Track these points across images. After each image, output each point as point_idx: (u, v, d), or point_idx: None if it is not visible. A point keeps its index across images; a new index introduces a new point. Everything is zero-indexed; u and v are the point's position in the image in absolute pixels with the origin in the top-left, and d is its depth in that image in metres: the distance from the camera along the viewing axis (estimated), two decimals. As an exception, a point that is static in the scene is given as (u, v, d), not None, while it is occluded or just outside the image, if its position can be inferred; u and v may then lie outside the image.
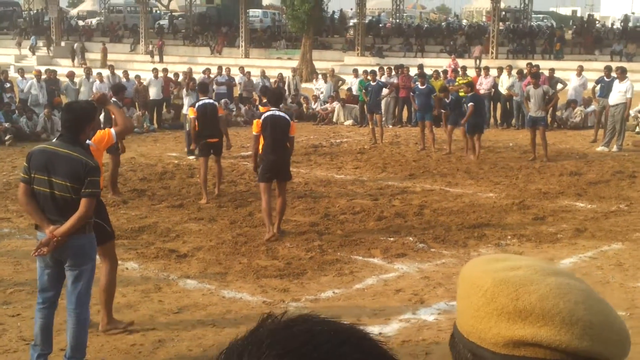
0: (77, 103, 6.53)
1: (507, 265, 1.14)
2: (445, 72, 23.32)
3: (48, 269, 5.49)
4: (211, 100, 12.86)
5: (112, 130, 6.31)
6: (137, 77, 22.92)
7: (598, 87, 18.79)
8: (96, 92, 9.43)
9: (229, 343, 0.94)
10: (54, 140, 5.61)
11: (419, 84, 18.08)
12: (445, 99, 16.83)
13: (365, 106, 19.53)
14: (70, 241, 5.33)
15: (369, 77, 22.11)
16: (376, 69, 22.45)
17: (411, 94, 18.79)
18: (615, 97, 17.23)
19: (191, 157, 15.59)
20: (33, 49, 43.26)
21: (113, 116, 6.73)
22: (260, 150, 9.56)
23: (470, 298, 1.13)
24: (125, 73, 23.40)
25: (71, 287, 5.47)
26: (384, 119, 22.19)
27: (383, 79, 22.70)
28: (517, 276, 1.11)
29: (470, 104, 15.47)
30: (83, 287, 5.48)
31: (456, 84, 21.65)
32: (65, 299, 5.57)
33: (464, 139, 16.05)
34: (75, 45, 43.39)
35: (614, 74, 17.88)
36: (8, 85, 21.46)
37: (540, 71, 21.16)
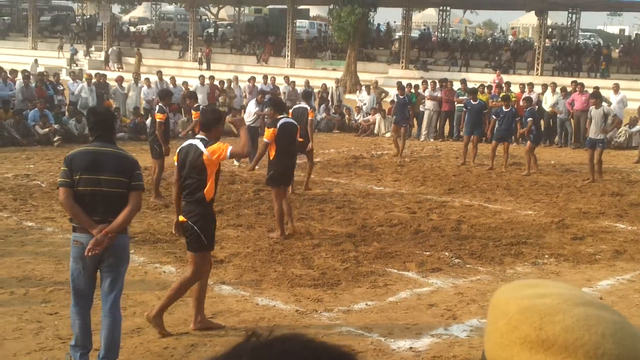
0: (99, 107, 6.90)
1: (536, 292, 1.11)
2: (490, 87, 23.21)
3: (86, 271, 5.54)
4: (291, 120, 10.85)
5: (230, 148, 6.53)
6: (185, 83, 23.27)
7: None
8: (234, 118, 10.09)
9: (210, 358, 0.96)
10: (91, 143, 5.75)
11: (471, 99, 17.99)
12: (504, 108, 16.76)
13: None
14: (115, 242, 5.46)
15: (412, 90, 22.20)
16: (405, 82, 22.39)
17: (464, 109, 18.76)
18: None
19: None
20: (72, 57, 44.12)
21: (238, 136, 7.42)
22: (273, 157, 10.01)
23: (496, 324, 1.10)
24: (173, 79, 23.76)
25: (108, 288, 5.58)
26: (425, 132, 22.24)
27: (427, 93, 22.72)
28: (543, 304, 1.08)
29: (530, 118, 15.64)
30: (119, 288, 5.64)
31: (499, 99, 21.51)
32: (101, 299, 5.71)
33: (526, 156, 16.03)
34: (110, 50, 44.11)
35: None
36: (61, 88, 21.98)
37: (585, 89, 20.97)
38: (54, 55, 46.58)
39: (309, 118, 13.30)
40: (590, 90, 20.78)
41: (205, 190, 6.40)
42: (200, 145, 6.42)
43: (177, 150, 6.71)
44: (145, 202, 11.86)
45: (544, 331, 1.04)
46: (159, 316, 6.45)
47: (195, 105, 14.72)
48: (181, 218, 6.53)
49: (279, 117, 10.22)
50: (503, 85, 23.22)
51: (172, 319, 6.87)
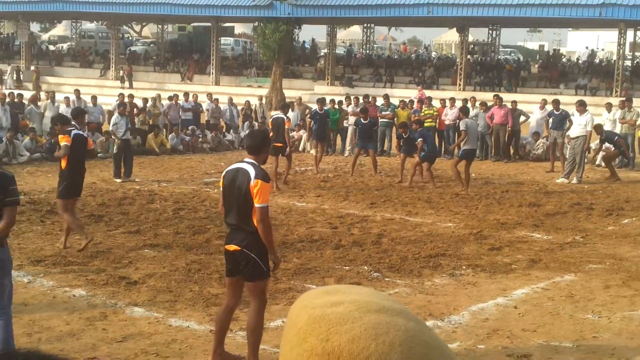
0: None
1: (330, 300, 1.03)
2: (412, 102, 23.52)
3: None
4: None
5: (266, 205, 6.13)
6: (122, 103, 22.75)
7: (550, 119, 19.31)
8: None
9: None
10: None
11: (361, 118, 18.41)
12: (403, 134, 17.09)
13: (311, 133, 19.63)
14: None
15: (336, 106, 22.30)
16: (329, 98, 22.68)
17: (353, 125, 19.42)
18: (576, 130, 17.50)
19: (118, 180, 16.19)
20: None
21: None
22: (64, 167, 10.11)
23: (287, 335, 1.03)
24: (94, 98, 23.22)
25: None
26: (349, 147, 22.35)
27: (350, 108, 22.86)
28: (334, 313, 1.00)
29: (420, 139, 15.92)
30: (6, 297, 5.86)
31: (422, 114, 21.84)
32: None
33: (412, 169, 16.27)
34: (10, 67, 42.93)
35: (565, 108, 18.56)
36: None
37: (504, 103, 21.45)
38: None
39: (285, 127, 15.90)
40: (509, 105, 21.36)
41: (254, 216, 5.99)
42: (251, 170, 6.02)
43: (223, 174, 6.31)
44: (58, 224, 11.50)
45: (329, 342, 0.97)
46: None
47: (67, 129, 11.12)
48: (232, 247, 6.08)
49: (69, 128, 10.39)
50: (425, 100, 23.50)
51: (80, 344, 6.60)
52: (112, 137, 17.34)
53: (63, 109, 21.69)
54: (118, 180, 16.19)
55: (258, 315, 6.11)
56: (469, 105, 22.06)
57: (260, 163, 6.20)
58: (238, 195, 6.01)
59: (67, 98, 22.46)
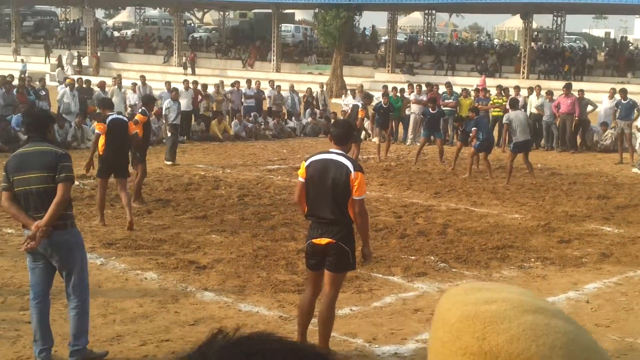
0: (33, 109, 6.86)
1: (482, 297, 1.01)
2: (476, 90, 23.19)
3: (37, 265, 5.81)
4: None
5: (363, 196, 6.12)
6: (175, 89, 22.91)
7: (618, 109, 18.85)
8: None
9: (174, 358, 0.89)
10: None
11: (430, 108, 18.36)
12: (459, 127, 17.07)
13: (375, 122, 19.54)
14: (53, 237, 5.64)
15: (398, 94, 22.16)
16: (391, 86, 22.70)
17: (420, 116, 19.18)
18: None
19: (169, 163, 16.60)
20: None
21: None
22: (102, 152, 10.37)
23: (437, 332, 1.01)
24: (167, 84, 23.40)
25: (65, 280, 5.83)
26: (411, 136, 22.20)
27: (412, 96, 22.70)
28: (488, 311, 0.98)
29: (473, 128, 15.67)
30: (75, 279, 5.78)
31: (491, 102, 21.58)
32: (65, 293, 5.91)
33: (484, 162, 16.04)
34: (67, 54, 43.65)
35: (632, 97, 18.01)
36: (43, 93, 21.75)
37: (571, 92, 20.99)
38: (38, 61, 46.27)
39: (359, 115, 17.22)
40: (577, 94, 20.89)
41: (349, 211, 5.94)
42: (347, 162, 5.90)
43: (306, 164, 6.06)
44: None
45: (486, 341, 0.95)
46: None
47: (106, 114, 11.07)
48: (324, 240, 5.95)
49: (109, 113, 10.88)
50: (487, 88, 23.18)
51: (153, 326, 6.73)
52: (164, 121, 17.65)
53: (130, 95, 22.13)
54: (168, 163, 16.58)
55: (332, 305, 6.10)
56: (535, 94, 21.70)
57: (346, 152, 6.08)
58: (334, 188, 5.86)
59: (133, 84, 22.82)
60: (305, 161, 6.14)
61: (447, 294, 1.07)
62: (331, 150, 6.09)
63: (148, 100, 13.32)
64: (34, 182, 5.65)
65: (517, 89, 22.46)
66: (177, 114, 17.13)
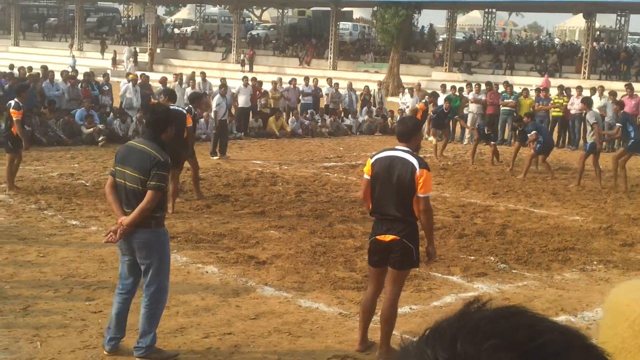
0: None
1: None
2: (538, 90, 22.82)
3: (124, 260, 5.93)
4: None
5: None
6: (223, 85, 23.24)
7: None
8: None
9: (435, 323, 0.87)
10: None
11: (444, 107, 18.72)
12: (518, 127, 16.89)
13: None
14: (136, 234, 5.70)
15: (456, 93, 21.99)
16: (449, 85, 22.58)
17: (430, 113, 19.05)
18: None
19: (215, 158, 16.83)
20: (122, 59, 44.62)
21: None
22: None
23: (615, 328, 1.01)
24: (223, 80, 23.73)
25: (143, 277, 5.89)
26: (468, 135, 21.99)
27: (470, 95, 22.51)
28: None
29: (533, 132, 15.44)
30: (151, 277, 5.80)
31: (552, 102, 21.27)
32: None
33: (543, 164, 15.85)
34: (127, 50, 44.24)
35: None
36: (107, 88, 22.22)
37: (635, 93, 20.54)
38: (98, 57, 47.24)
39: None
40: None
41: (414, 208, 5.93)
42: (413, 160, 5.87)
43: (372, 161, 6.07)
44: (188, 203, 11.93)
45: None
46: (388, 349, 6.05)
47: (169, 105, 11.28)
48: (389, 237, 5.95)
49: (170, 105, 11.02)
50: (549, 88, 22.82)
51: (215, 319, 6.83)
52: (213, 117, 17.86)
53: (189, 91, 22.42)
54: (215, 158, 16.85)
55: (395, 303, 6.10)
56: (597, 94, 21.28)
57: (413, 150, 6.05)
58: (399, 185, 5.86)
59: (193, 80, 23.13)
60: (371, 158, 6.14)
61: (619, 288, 1.07)
62: (397, 147, 6.08)
63: (195, 97, 13.34)
64: (128, 179, 5.72)
65: (579, 89, 22.03)
66: (226, 110, 17.32)
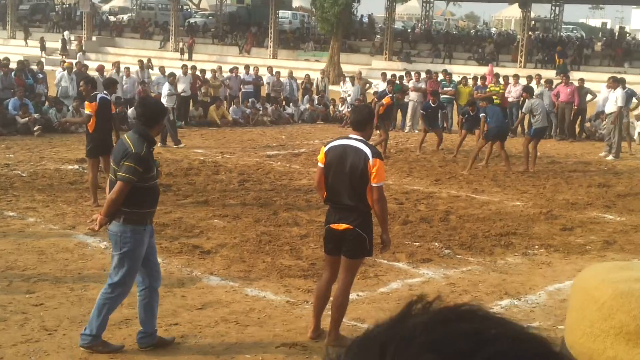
0: (150, 99, 6.67)
1: (631, 275, 0.97)
2: (483, 78, 23.05)
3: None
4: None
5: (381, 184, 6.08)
6: (172, 74, 22.81)
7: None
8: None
9: (366, 331, 0.76)
10: None
11: (431, 101, 18.13)
12: (470, 112, 16.79)
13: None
14: (109, 227, 5.70)
15: (397, 82, 22.11)
16: (389, 73, 22.61)
17: (421, 111, 18.83)
18: (610, 106, 17.69)
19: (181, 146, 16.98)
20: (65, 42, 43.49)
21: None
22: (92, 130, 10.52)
23: (583, 311, 0.96)
24: (162, 69, 23.36)
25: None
26: (409, 123, 22.15)
27: (411, 84, 22.66)
28: None
29: (482, 114, 15.48)
30: (112, 269, 5.77)
31: (487, 90, 21.55)
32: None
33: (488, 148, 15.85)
34: (66, 33, 43.51)
35: (630, 87, 18.61)
36: (41, 76, 21.63)
37: (570, 81, 21.00)
38: (34, 45, 46.00)
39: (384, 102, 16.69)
40: (576, 83, 20.90)
41: (367, 197, 5.87)
42: (366, 149, 5.84)
43: (325, 150, 6.04)
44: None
45: None
46: (337, 336, 6.03)
47: (93, 94, 11.14)
48: (342, 226, 5.92)
49: (95, 92, 11.02)
50: (492, 77, 23.14)
51: (161, 310, 6.68)
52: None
53: (124, 80, 21.99)
54: (181, 146, 16.96)
55: (347, 291, 6.09)
56: (534, 82, 21.68)
57: (366, 139, 6.03)
58: (352, 174, 5.83)
59: (127, 68, 22.66)
60: (325, 146, 6.11)
61: (588, 272, 1.03)
62: (350, 135, 6.05)
63: (109, 82, 12.92)
64: (111, 171, 5.82)
65: (517, 77, 22.43)
66: (175, 99, 17.14)
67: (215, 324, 6.43)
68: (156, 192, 5.89)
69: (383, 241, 6.14)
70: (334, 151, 5.98)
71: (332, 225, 6.00)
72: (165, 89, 17.42)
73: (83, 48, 42.14)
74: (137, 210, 5.64)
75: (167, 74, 21.91)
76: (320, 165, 6.07)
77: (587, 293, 0.98)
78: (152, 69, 23.81)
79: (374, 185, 5.82)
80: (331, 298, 6.19)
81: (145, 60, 24.79)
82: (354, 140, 5.95)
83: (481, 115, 15.60)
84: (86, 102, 11.28)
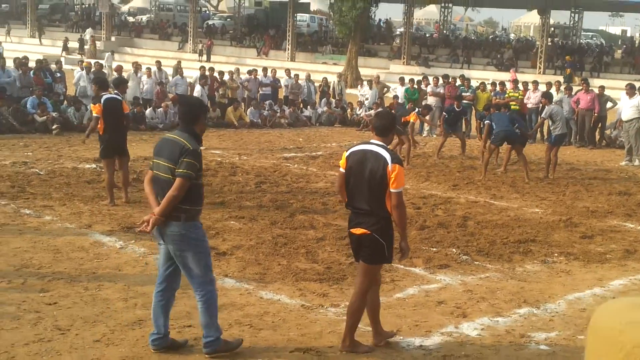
0: (190, 98, 6.56)
1: None
2: (502, 84, 22.85)
3: (160, 247, 5.85)
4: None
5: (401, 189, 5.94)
6: (204, 76, 22.74)
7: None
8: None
9: None
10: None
11: (455, 105, 17.99)
12: (456, 108, 17.24)
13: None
14: (168, 227, 5.58)
15: (415, 86, 22.00)
16: (407, 78, 22.47)
17: (444, 113, 18.63)
18: (628, 112, 17.71)
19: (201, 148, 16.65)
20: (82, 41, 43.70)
21: None
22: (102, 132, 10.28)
23: (607, 356, 0.89)
24: (181, 70, 23.46)
25: (184, 272, 5.75)
26: (427, 127, 22.01)
27: (429, 89, 22.55)
28: None
29: (487, 122, 15.37)
30: (194, 270, 5.68)
31: (507, 96, 21.38)
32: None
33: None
34: (88, 31, 43.74)
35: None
36: (59, 75, 21.71)
37: (590, 88, 20.80)
38: (54, 44, 46.26)
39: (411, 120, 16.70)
40: (596, 90, 20.69)
41: (387, 203, 5.79)
42: (385, 154, 5.77)
43: (346, 155, 5.99)
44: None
45: None
46: (352, 342, 6.00)
47: (99, 95, 11.10)
48: (359, 230, 5.88)
49: (102, 93, 10.92)
50: (512, 82, 22.96)
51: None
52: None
53: (144, 80, 22.05)
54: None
55: (361, 296, 5.98)
56: (554, 89, 21.48)
57: (387, 144, 5.97)
58: (371, 180, 5.76)
59: (148, 69, 22.74)
60: (346, 151, 6.06)
61: (606, 312, 0.94)
62: (372, 141, 5.99)
63: (119, 82, 12.68)
64: (162, 170, 5.62)
65: (536, 83, 22.24)
66: (206, 101, 16.99)
67: (229, 327, 6.35)
68: (203, 190, 5.99)
69: (402, 249, 6.03)
70: (354, 156, 5.93)
71: (351, 230, 5.97)
72: (196, 91, 17.58)
73: (97, 48, 42.41)
74: (196, 207, 5.71)
75: (196, 76, 22.08)
76: (342, 170, 6.01)
77: (607, 335, 0.89)
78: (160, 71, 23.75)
79: (392, 191, 5.73)
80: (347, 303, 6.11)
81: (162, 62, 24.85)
82: (375, 146, 5.89)
83: (486, 122, 15.51)
84: (91, 104, 11.32)
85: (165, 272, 5.84)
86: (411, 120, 16.65)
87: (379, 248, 5.84)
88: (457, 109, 17.96)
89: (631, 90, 17.88)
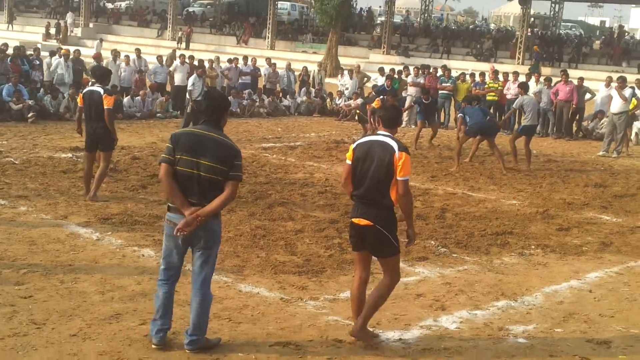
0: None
1: None
2: (482, 74, 22.86)
3: (177, 249, 5.69)
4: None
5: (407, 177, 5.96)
6: (201, 65, 22.46)
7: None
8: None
9: None
10: (197, 126, 5.72)
11: (423, 99, 18.04)
12: (424, 100, 17.63)
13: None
14: (206, 224, 5.52)
15: (395, 76, 21.98)
16: (387, 68, 22.45)
17: (411, 97, 18.80)
18: (617, 105, 17.79)
19: None
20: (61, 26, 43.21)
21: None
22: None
23: None
24: (160, 58, 23.24)
25: (199, 268, 5.67)
26: (406, 118, 22.01)
27: (409, 79, 22.55)
28: None
29: (460, 115, 15.50)
30: (209, 269, 5.69)
31: (486, 87, 21.45)
32: (191, 279, 5.77)
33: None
34: (69, 15, 43.40)
35: (613, 84, 18.62)
36: (37, 62, 21.44)
37: (570, 79, 20.91)
38: (32, 30, 45.73)
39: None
40: (575, 82, 20.80)
41: (392, 192, 5.82)
42: (392, 143, 5.84)
43: (353, 147, 6.05)
44: (122, 183, 11.60)
45: None
46: (365, 331, 6.07)
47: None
48: (363, 222, 5.93)
49: (97, 86, 10.62)
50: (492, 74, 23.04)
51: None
52: (189, 97, 17.58)
53: (123, 67, 21.84)
54: None
55: (388, 291, 6.09)
56: (533, 80, 21.58)
57: (394, 135, 6.04)
58: (377, 168, 5.81)
59: (127, 57, 22.51)
60: (353, 144, 6.14)
61: None
62: (379, 132, 6.09)
63: (101, 74, 12.22)
64: (204, 170, 5.46)
65: (516, 74, 22.32)
66: (201, 91, 16.77)
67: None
68: None
69: (408, 235, 6.09)
70: (361, 147, 6.01)
71: (354, 220, 6.02)
72: (191, 80, 17.45)
73: (74, 34, 41.96)
74: None
75: (175, 63, 21.92)
76: (348, 162, 6.08)
77: None
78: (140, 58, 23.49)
79: (399, 178, 5.79)
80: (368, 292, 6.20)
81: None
82: (382, 136, 5.99)
83: (459, 115, 15.57)
84: (79, 94, 11.19)
85: (179, 265, 5.78)
86: (373, 106, 16.76)
87: (386, 241, 5.91)
88: (425, 102, 17.94)
89: (622, 83, 17.88)
